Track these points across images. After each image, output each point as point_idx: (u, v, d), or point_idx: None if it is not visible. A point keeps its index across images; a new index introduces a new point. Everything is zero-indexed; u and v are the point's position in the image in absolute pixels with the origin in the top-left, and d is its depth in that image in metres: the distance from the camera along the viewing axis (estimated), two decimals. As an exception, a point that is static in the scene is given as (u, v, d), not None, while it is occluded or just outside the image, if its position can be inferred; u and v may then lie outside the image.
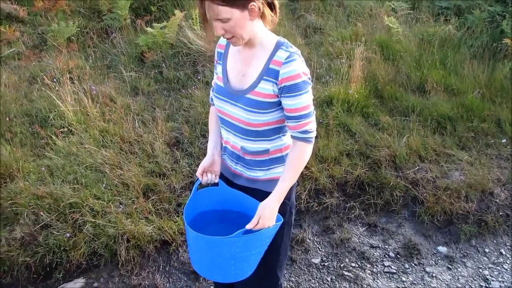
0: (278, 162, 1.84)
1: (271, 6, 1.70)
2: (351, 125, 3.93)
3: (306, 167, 3.37)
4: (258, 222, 1.66)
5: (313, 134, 1.75)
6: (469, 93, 4.44)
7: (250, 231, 1.65)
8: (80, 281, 2.70)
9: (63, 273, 2.72)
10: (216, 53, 1.87)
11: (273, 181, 1.80)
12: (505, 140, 3.97)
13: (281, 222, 1.72)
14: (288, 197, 1.82)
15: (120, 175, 3.20)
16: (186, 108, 4.03)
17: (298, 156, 1.74)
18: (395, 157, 3.62)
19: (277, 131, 1.79)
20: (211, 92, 1.96)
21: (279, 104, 1.70)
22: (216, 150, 1.88)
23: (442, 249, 3.10)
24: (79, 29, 4.99)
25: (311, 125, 1.73)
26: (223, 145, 1.92)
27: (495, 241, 3.16)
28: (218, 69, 1.84)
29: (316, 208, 3.28)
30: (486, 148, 3.88)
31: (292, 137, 1.77)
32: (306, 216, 3.24)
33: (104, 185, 3.12)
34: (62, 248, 2.74)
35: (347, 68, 4.54)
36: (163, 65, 4.58)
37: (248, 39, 1.67)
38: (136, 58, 4.75)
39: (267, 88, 1.68)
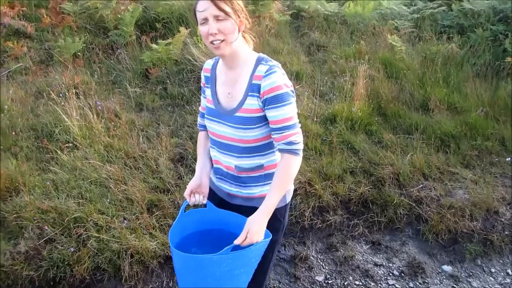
0: (272, 177, 1.83)
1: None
2: (354, 142, 3.94)
3: (309, 184, 3.40)
4: (246, 237, 1.65)
5: (299, 146, 1.74)
6: (473, 111, 4.46)
7: (238, 247, 1.63)
8: (83, 297, 2.69)
9: (66, 288, 2.71)
10: (203, 77, 1.92)
11: None
12: (509, 158, 3.97)
13: (270, 238, 1.71)
14: (283, 215, 1.87)
15: (125, 190, 3.20)
16: (190, 124, 4.05)
17: (285, 169, 1.73)
18: (399, 175, 3.62)
19: (270, 146, 1.82)
20: (198, 118, 2.02)
21: (266, 118, 1.75)
22: (205, 171, 1.91)
23: (447, 268, 3.08)
24: (85, 45, 5.05)
25: (296, 136, 1.72)
26: (215, 166, 1.93)
27: (501, 261, 3.14)
28: (207, 92, 1.88)
29: (320, 226, 3.27)
30: (490, 167, 3.88)
31: (279, 150, 1.77)
32: (310, 233, 3.23)
33: (108, 200, 3.12)
34: (66, 263, 2.73)
35: (350, 85, 4.57)
36: (168, 81, 4.62)
37: (232, 59, 1.74)
38: (141, 74, 4.80)
39: (253, 103, 1.72)
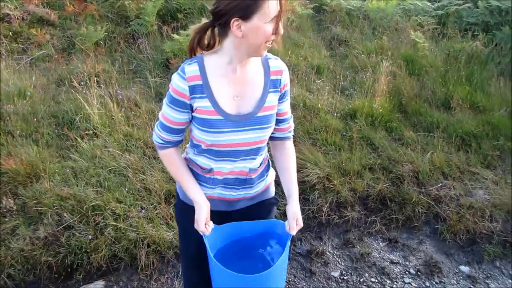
0: (268, 167, 1.87)
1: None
2: (374, 139, 3.90)
3: (328, 179, 3.39)
4: (297, 223, 1.67)
5: None
6: (496, 110, 4.38)
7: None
8: (100, 284, 2.72)
9: (83, 275, 2.74)
10: (186, 88, 1.57)
11: (269, 187, 1.87)
12: (532, 160, 3.89)
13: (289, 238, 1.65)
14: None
15: (143, 180, 3.22)
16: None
17: (294, 154, 1.82)
18: (418, 173, 3.58)
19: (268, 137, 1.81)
20: (161, 134, 1.67)
21: None
22: (204, 195, 1.70)
23: (465, 268, 3.04)
24: (106, 33, 5.08)
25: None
26: (219, 178, 1.72)
27: (520, 264, 3.09)
28: (202, 103, 1.58)
29: (337, 221, 3.25)
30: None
31: (279, 139, 1.81)
32: (327, 228, 3.22)
33: (126, 189, 3.15)
34: (83, 250, 2.77)
35: (371, 81, 4.51)
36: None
37: (250, 61, 1.64)
38: (162, 64, 4.81)
39: (274, 100, 1.68)
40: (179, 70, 1.59)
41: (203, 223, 1.64)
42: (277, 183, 1.86)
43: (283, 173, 1.78)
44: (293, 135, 1.85)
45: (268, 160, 1.85)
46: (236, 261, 1.65)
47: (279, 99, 1.70)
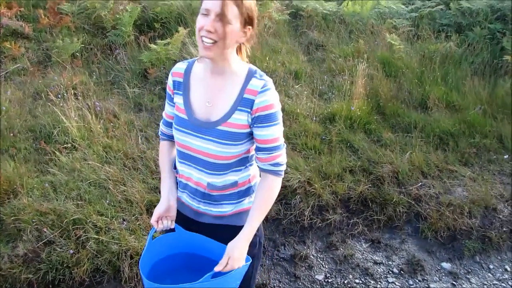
0: (246, 194, 1.75)
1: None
2: (353, 141, 3.94)
3: (309, 184, 3.40)
4: (227, 263, 1.57)
5: (283, 168, 1.67)
6: (471, 109, 4.47)
7: (219, 274, 1.57)
8: (83, 298, 2.69)
9: (66, 290, 2.71)
10: (171, 82, 1.71)
11: (242, 213, 1.73)
12: (507, 156, 3.98)
13: (250, 262, 1.63)
14: (258, 229, 1.72)
15: (124, 191, 3.20)
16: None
17: (268, 192, 1.65)
18: (398, 173, 3.62)
19: (244, 161, 1.70)
20: (161, 125, 1.84)
21: (250, 134, 1.63)
22: (172, 194, 1.74)
23: (446, 265, 3.09)
24: (83, 45, 5.04)
25: (282, 158, 1.65)
26: (184, 182, 1.76)
27: (499, 257, 3.15)
28: (177, 99, 1.69)
29: (320, 225, 3.27)
30: (488, 164, 3.89)
31: (262, 170, 1.67)
32: (310, 232, 3.23)
33: (107, 201, 3.12)
34: (65, 265, 2.73)
35: (349, 84, 4.57)
36: (166, 81, 4.61)
37: (221, 64, 1.59)
38: (140, 74, 4.79)
39: (242, 118, 1.58)
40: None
41: (156, 217, 1.69)
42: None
43: (251, 207, 1.67)
44: (281, 172, 1.67)
45: (249, 188, 1.75)
46: (185, 272, 1.66)
47: (253, 123, 1.59)
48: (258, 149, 1.65)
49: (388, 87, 4.70)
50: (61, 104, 3.95)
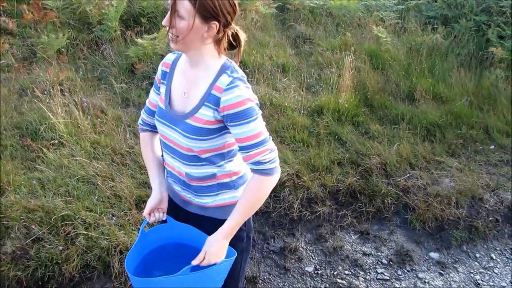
0: (226, 187, 1.72)
1: (236, 40, 1.62)
2: (341, 134, 3.96)
3: (297, 176, 3.41)
4: (204, 258, 1.58)
5: (269, 165, 1.57)
6: (457, 100, 4.51)
7: (198, 267, 1.58)
8: (73, 294, 2.68)
9: (55, 287, 2.69)
10: (160, 71, 1.73)
11: (225, 208, 1.71)
12: (493, 146, 4.03)
13: (235, 256, 1.63)
14: (245, 223, 1.70)
15: (112, 187, 3.19)
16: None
17: (253, 190, 1.60)
18: (386, 165, 3.65)
19: (222, 157, 1.66)
20: (142, 114, 1.82)
21: (221, 129, 1.59)
22: (163, 186, 1.75)
23: (434, 255, 3.13)
24: (69, 41, 4.98)
25: (265, 155, 1.56)
26: (168, 169, 1.78)
27: (485, 246, 3.20)
28: (162, 89, 1.71)
29: (309, 217, 3.29)
30: (475, 155, 3.94)
31: (250, 169, 1.63)
32: (299, 225, 3.25)
33: (96, 197, 3.10)
34: (54, 262, 2.71)
35: (336, 77, 4.58)
36: (154, 76, 4.59)
37: (194, 57, 1.58)
38: (127, 70, 4.75)
39: (207, 114, 1.56)
40: None
41: (149, 210, 1.72)
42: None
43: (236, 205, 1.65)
44: (267, 171, 1.59)
45: (229, 182, 1.72)
46: (175, 262, 1.66)
47: (226, 121, 1.55)
48: (238, 149, 1.61)
49: (375, 79, 4.73)
50: (48, 101, 3.91)
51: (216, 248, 1.59)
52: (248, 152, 1.56)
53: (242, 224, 1.67)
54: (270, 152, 1.58)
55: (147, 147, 1.83)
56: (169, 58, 1.73)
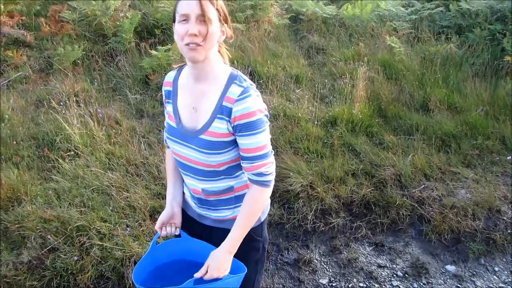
0: (243, 198, 1.70)
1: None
2: (355, 144, 3.94)
3: (311, 187, 3.40)
4: (206, 272, 1.58)
5: (270, 177, 1.60)
6: (473, 110, 4.46)
7: (202, 281, 1.57)
8: (87, 305, 2.69)
9: (70, 297, 2.71)
10: (163, 92, 1.72)
11: None
12: (510, 157, 3.97)
13: (244, 273, 1.62)
14: (260, 234, 1.73)
15: (127, 197, 3.21)
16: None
17: (252, 202, 1.62)
18: (401, 176, 3.62)
19: (237, 168, 1.66)
20: (164, 133, 1.80)
21: (234, 142, 1.58)
22: (175, 201, 1.77)
23: (451, 268, 3.08)
24: (84, 52, 5.06)
25: (268, 167, 1.59)
26: (185, 186, 1.79)
27: (504, 260, 3.14)
28: (169, 108, 1.69)
29: (323, 229, 3.27)
30: (491, 166, 3.88)
31: (248, 179, 1.63)
32: (313, 236, 3.23)
33: (110, 207, 3.13)
34: (69, 272, 2.73)
35: (350, 88, 4.58)
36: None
37: (203, 68, 1.55)
38: (141, 81, 4.81)
39: (221, 127, 1.54)
40: None
41: (160, 224, 1.74)
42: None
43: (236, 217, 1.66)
44: (267, 182, 1.61)
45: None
46: (184, 278, 1.64)
47: (235, 131, 1.54)
48: (241, 158, 1.60)
49: (389, 89, 4.70)
50: (63, 112, 3.97)
51: (218, 263, 1.59)
52: (252, 163, 1.57)
53: (257, 235, 1.67)
54: (272, 165, 1.61)
55: (169, 163, 1.84)
56: (170, 76, 1.71)
